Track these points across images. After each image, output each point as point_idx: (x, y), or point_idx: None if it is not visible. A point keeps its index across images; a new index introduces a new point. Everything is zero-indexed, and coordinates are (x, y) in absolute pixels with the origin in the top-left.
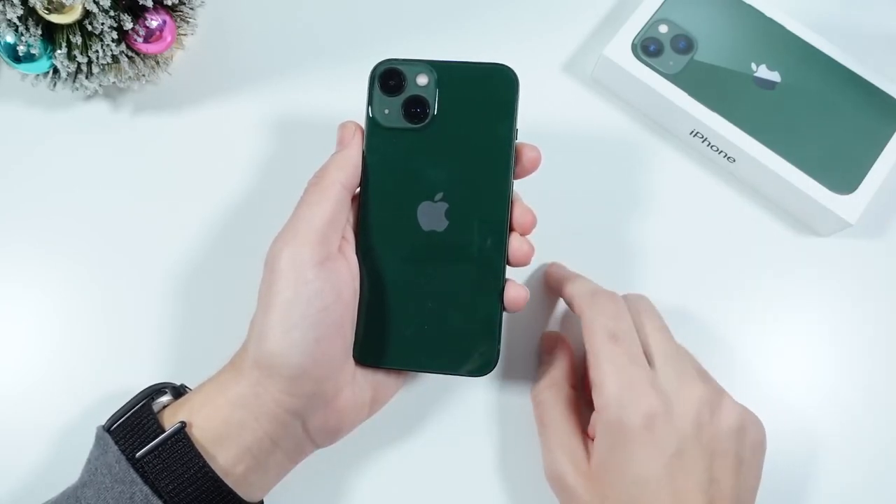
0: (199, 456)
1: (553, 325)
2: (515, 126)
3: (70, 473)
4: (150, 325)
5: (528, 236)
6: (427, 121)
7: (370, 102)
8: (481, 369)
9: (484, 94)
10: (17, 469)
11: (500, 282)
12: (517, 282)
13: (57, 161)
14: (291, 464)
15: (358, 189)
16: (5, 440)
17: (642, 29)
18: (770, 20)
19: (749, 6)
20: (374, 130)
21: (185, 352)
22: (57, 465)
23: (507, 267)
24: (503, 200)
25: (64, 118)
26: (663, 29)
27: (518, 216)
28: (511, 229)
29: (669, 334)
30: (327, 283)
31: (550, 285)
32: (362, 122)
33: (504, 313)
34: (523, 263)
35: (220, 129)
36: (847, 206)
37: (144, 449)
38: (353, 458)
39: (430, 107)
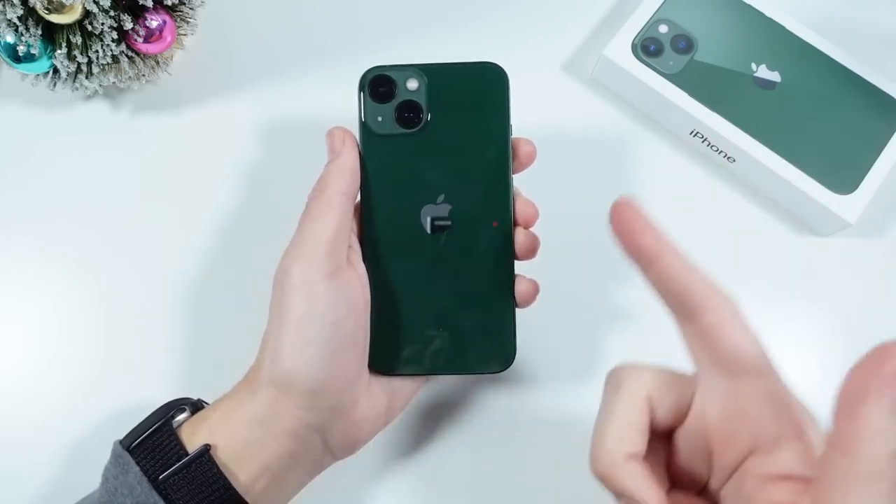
0: (223, 477)
1: (566, 318)
2: (510, 122)
3: (80, 483)
4: (156, 332)
5: (531, 229)
6: (421, 125)
7: (362, 110)
8: (500, 365)
9: (475, 93)
10: (25, 479)
11: (510, 277)
12: (527, 276)
13: (57, 161)
14: (309, 477)
15: (358, 197)
16: (14, 449)
17: (642, 29)
18: (770, 20)
19: (749, 6)
20: (369, 138)
21: (190, 354)
22: (67, 475)
23: (515, 261)
24: (505, 196)
25: (64, 118)
26: (663, 29)
27: (520, 210)
28: (515, 223)
29: None
30: (339, 296)
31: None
32: (353, 129)
33: (516, 308)
34: (530, 256)
35: (221, 129)
36: (847, 206)
37: (168, 471)
38: (367, 466)
39: (422, 111)
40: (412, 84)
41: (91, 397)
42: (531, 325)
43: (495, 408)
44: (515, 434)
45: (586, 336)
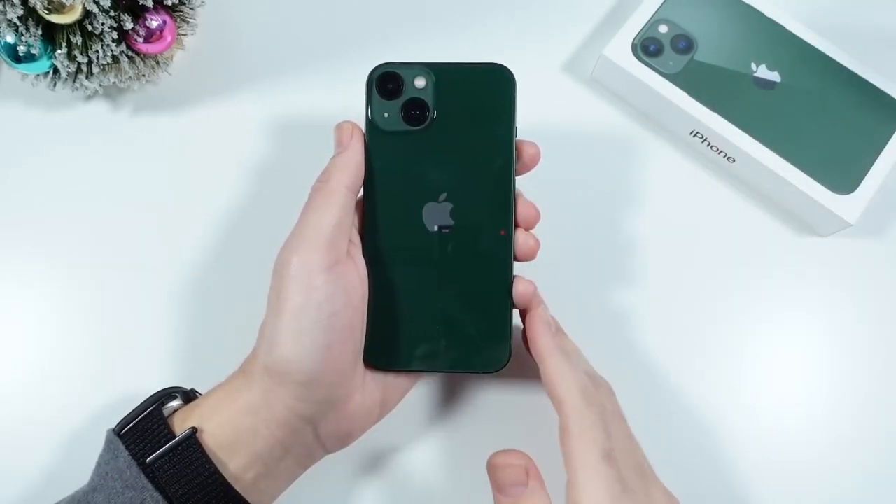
0: (209, 462)
1: (561, 320)
2: (515, 124)
3: (77, 476)
4: (154, 327)
5: (532, 231)
6: (427, 123)
7: (369, 107)
8: (494, 366)
9: (482, 94)
10: (23, 472)
11: (508, 277)
12: (525, 277)
13: (57, 161)
14: (301, 470)
15: (361, 192)
16: (12, 443)
17: (642, 29)
18: (770, 20)
19: (749, 6)
20: (375, 134)
21: (190, 354)
22: (64, 468)
23: (514, 262)
24: (507, 197)
25: (64, 118)
26: (663, 29)
27: (522, 211)
28: (516, 225)
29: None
30: (337, 288)
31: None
32: (360, 124)
33: (513, 309)
34: (530, 258)
35: (221, 129)
36: (847, 206)
37: (155, 454)
38: (361, 462)
39: (429, 109)
40: (420, 82)
41: (91, 391)
42: None
43: (489, 405)
44: (509, 433)
45: (582, 336)
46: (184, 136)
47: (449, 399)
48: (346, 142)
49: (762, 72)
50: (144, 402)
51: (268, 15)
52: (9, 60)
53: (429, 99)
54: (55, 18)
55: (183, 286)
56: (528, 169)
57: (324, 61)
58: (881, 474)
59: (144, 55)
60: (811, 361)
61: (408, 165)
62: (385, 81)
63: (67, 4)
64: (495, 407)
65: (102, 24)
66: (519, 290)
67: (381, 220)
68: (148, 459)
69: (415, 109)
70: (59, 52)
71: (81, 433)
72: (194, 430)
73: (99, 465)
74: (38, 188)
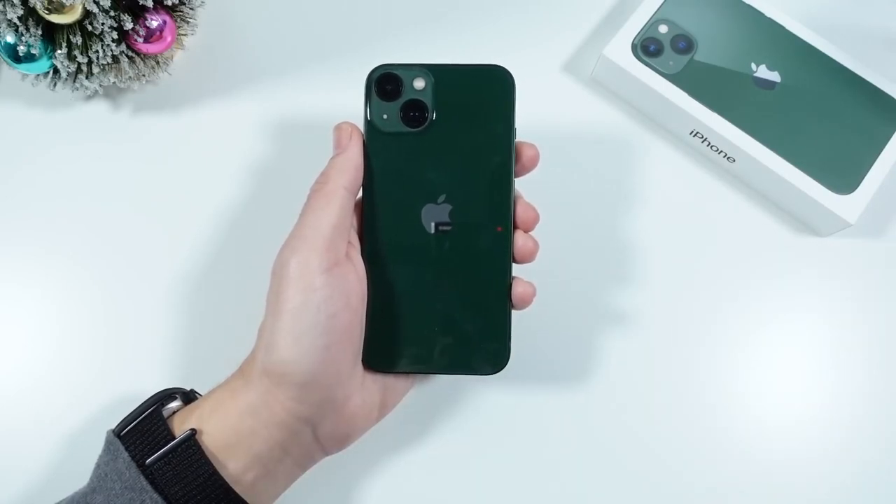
0: (208, 463)
1: (560, 321)
2: (514, 125)
3: (77, 476)
4: (153, 328)
5: (531, 233)
6: (426, 124)
7: (368, 108)
8: (492, 368)
9: (481, 95)
10: (22, 471)
11: (507, 279)
12: (524, 279)
13: (57, 161)
14: (300, 471)
15: (360, 193)
16: (12, 443)
17: (642, 29)
18: (770, 20)
19: (749, 6)
20: (374, 135)
21: (189, 354)
22: (64, 468)
23: (514, 264)
24: (506, 199)
25: (64, 118)
26: (663, 29)
27: (521, 213)
28: (515, 227)
29: None
30: (336, 290)
31: None
32: (359, 125)
33: (512, 311)
34: (528, 260)
35: (220, 130)
36: (847, 206)
37: (154, 455)
38: (361, 463)
39: (428, 110)
40: (419, 83)
41: (91, 392)
42: (528, 326)
43: (488, 406)
44: (508, 433)
45: (582, 337)
46: (184, 136)
47: (448, 400)
48: (344, 143)
49: (762, 72)
50: (144, 403)
51: (268, 15)
52: (9, 60)
53: (428, 100)
54: (55, 18)
55: (182, 286)
56: (527, 171)
57: (324, 62)
58: (882, 473)
59: (144, 55)
60: (811, 361)
61: (407, 167)
62: (384, 83)
63: (67, 4)
64: (494, 408)
65: (102, 24)
66: (518, 291)
67: (380, 221)
68: (147, 461)
69: (414, 111)
70: (59, 52)
71: (81, 434)
72: (194, 432)
73: (98, 466)
74: (38, 188)
